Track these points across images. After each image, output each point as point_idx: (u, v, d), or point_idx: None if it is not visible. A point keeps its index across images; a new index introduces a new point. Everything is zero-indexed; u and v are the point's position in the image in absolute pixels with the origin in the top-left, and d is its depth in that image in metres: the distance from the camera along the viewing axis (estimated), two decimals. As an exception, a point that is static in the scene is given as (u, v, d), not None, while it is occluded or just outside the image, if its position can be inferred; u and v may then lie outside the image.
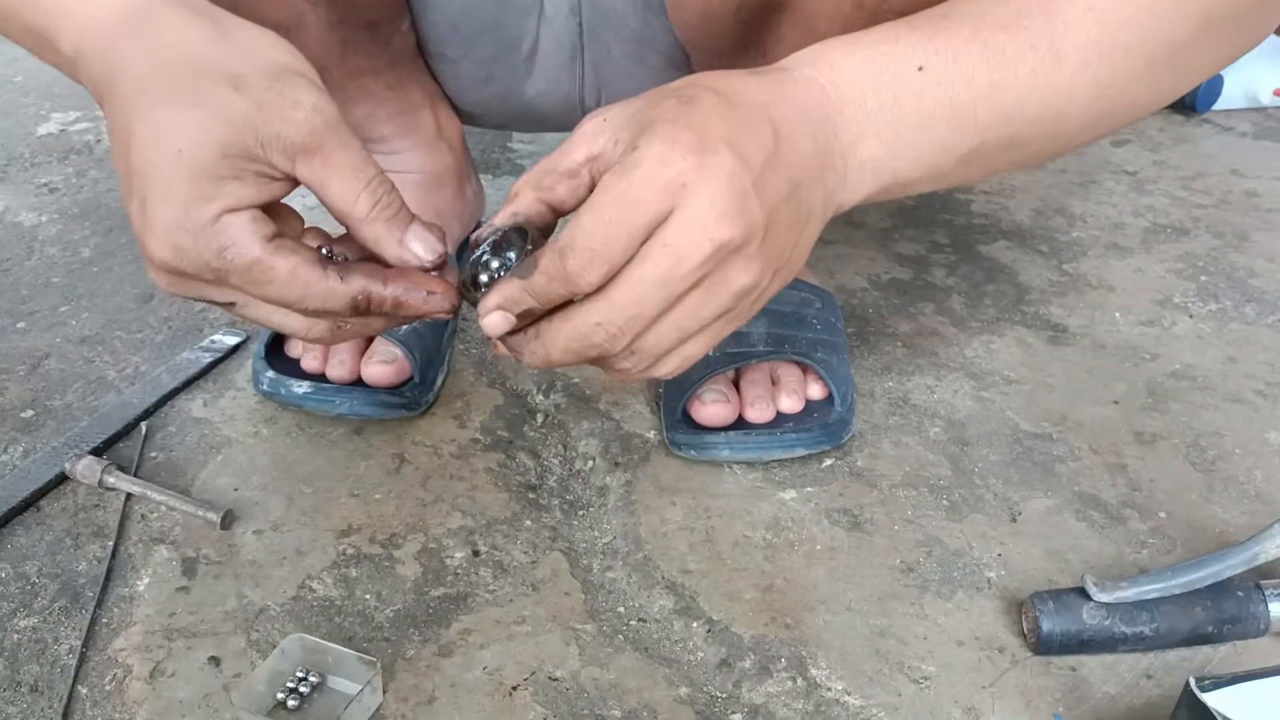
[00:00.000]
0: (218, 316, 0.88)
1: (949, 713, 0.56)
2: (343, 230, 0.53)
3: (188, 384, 0.80)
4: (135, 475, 0.70)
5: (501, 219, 0.49)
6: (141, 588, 0.63)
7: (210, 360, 0.82)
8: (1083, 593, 0.58)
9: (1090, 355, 0.86)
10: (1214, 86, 1.30)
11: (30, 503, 0.68)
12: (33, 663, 0.58)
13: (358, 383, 0.75)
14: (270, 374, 0.76)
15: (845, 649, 0.60)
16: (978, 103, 0.50)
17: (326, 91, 0.48)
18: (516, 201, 0.49)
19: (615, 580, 0.65)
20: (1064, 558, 0.66)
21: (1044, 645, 0.58)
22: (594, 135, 0.48)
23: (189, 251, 0.47)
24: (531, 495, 0.71)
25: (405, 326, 0.75)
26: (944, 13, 0.51)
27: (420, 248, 0.50)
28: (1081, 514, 0.70)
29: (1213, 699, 0.49)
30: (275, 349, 0.79)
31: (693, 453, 0.73)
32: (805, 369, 0.76)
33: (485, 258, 0.48)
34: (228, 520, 0.67)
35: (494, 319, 0.48)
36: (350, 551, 0.66)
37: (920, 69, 0.49)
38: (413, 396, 0.76)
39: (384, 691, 0.57)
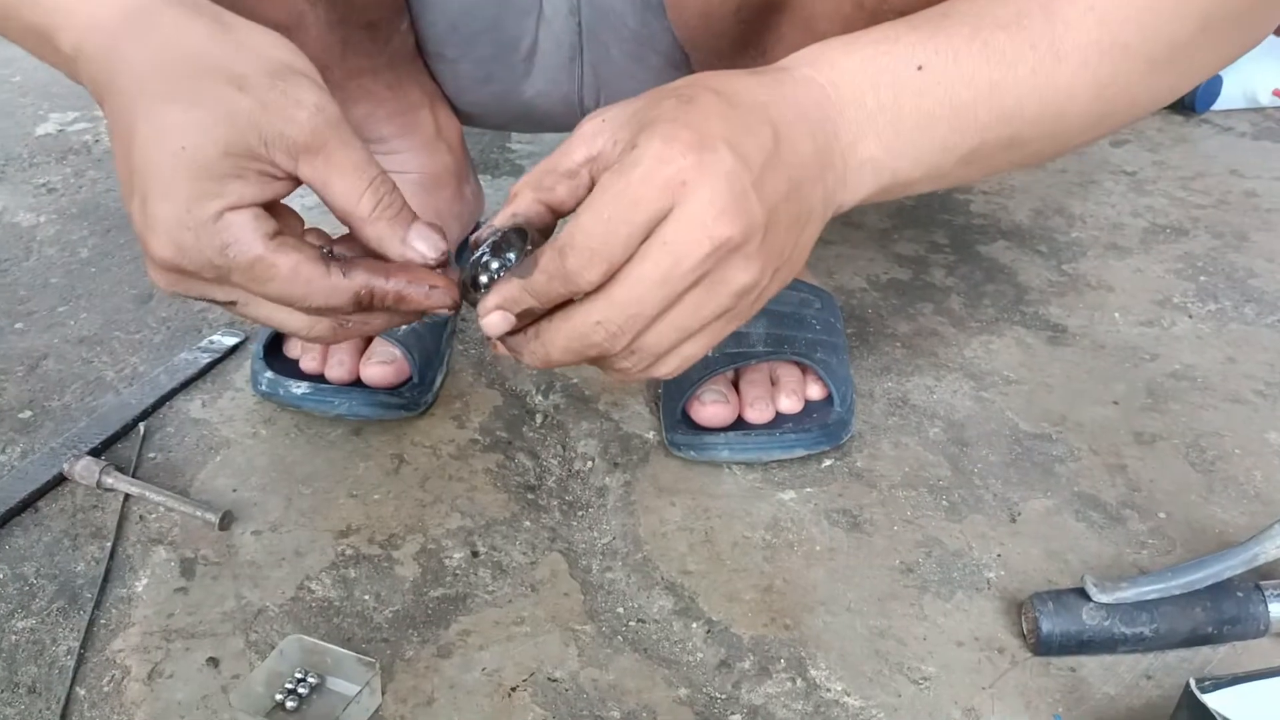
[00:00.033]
0: (216, 317, 0.88)
1: (949, 713, 0.56)
2: (342, 232, 0.53)
3: (186, 384, 0.80)
4: (133, 476, 0.70)
5: (501, 220, 0.49)
6: (140, 589, 0.63)
7: (209, 361, 0.81)
8: (1082, 593, 0.58)
9: (1090, 355, 0.86)
10: (1213, 87, 1.30)
11: (28, 504, 0.68)
12: (31, 664, 0.58)
13: (356, 383, 0.75)
14: (269, 374, 0.76)
15: (845, 650, 0.60)
16: (978, 102, 0.50)
17: (329, 91, 0.49)
18: (516, 202, 0.49)
19: (614, 581, 0.64)
20: (1063, 558, 0.66)
21: (1044, 646, 0.58)
22: (593, 136, 0.48)
23: (191, 249, 0.47)
24: (530, 496, 0.71)
25: (404, 327, 0.75)
26: (944, 12, 0.51)
27: (423, 245, 0.50)
28: (1081, 514, 0.69)
29: (1213, 700, 0.49)
30: (274, 349, 0.79)
31: (692, 453, 0.73)
32: (804, 369, 0.76)
33: (485, 258, 0.48)
34: (226, 521, 0.67)
35: (494, 319, 0.48)
36: (349, 552, 0.66)
37: (920, 68, 0.49)
38: (411, 397, 0.76)
39: (383, 692, 0.57)
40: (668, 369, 0.50)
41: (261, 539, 0.66)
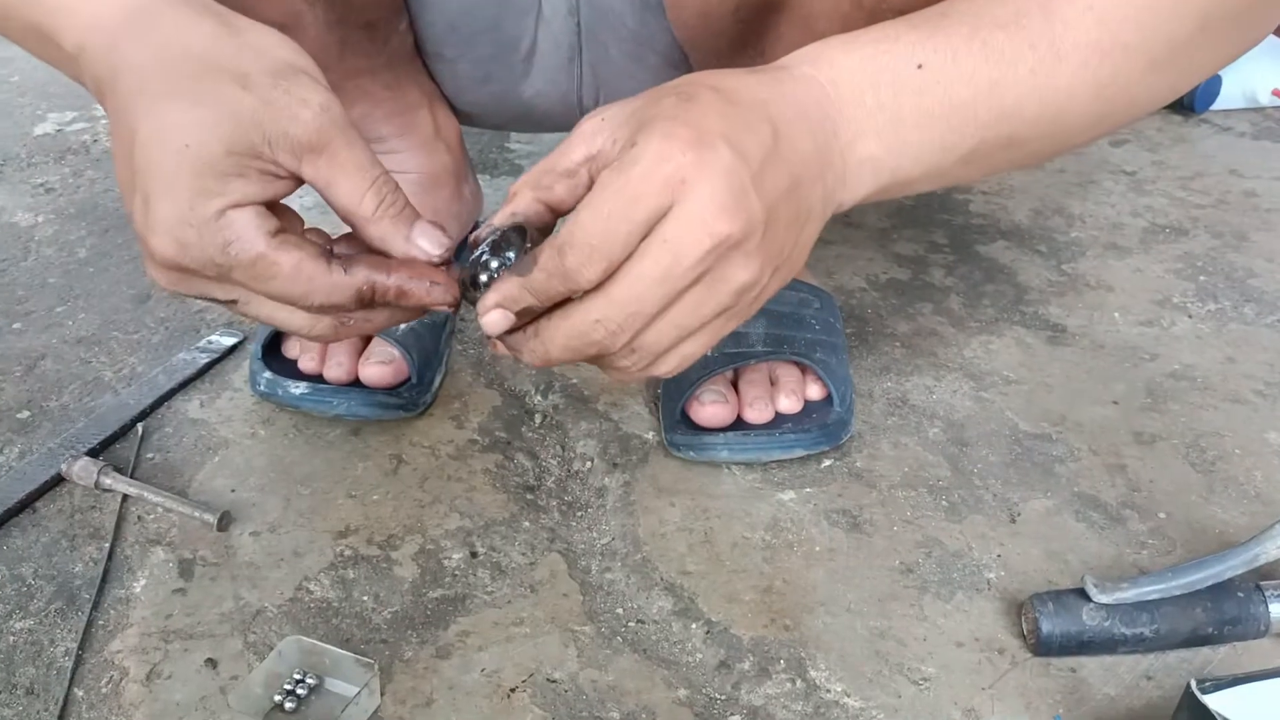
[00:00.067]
0: (215, 317, 0.87)
1: (949, 714, 0.56)
2: (341, 232, 0.53)
3: (184, 385, 0.79)
4: (132, 476, 0.70)
5: (500, 219, 0.49)
6: (138, 589, 0.63)
7: (207, 361, 0.81)
8: (1082, 594, 0.58)
9: (1089, 355, 0.86)
10: (1212, 86, 1.30)
11: (26, 504, 0.68)
12: (29, 665, 0.58)
13: (355, 383, 0.75)
14: (267, 375, 0.76)
15: (845, 650, 0.60)
16: (977, 101, 0.50)
17: (332, 91, 0.48)
18: (515, 201, 0.49)
19: (614, 581, 0.64)
20: (1063, 558, 0.66)
21: (1044, 646, 0.58)
22: (592, 135, 0.48)
23: (192, 247, 0.47)
24: (529, 496, 0.71)
25: (403, 327, 0.75)
26: (943, 11, 0.51)
27: (426, 243, 0.50)
28: (1081, 515, 0.69)
29: (1213, 701, 0.49)
30: (272, 349, 0.78)
31: (691, 453, 0.73)
32: (804, 369, 0.76)
33: (484, 257, 0.48)
34: (225, 521, 0.67)
35: (493, 317, 0.48)
36: (348, 553, 0.66)
37: (919, 67, 0.49)
38: (410, 397, 0.76)
39: (381, 694, 0.56)
40: (667, 367, 0.50)
41: (260, 540, 0.66)
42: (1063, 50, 0.49)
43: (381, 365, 0.75)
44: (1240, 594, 0.59)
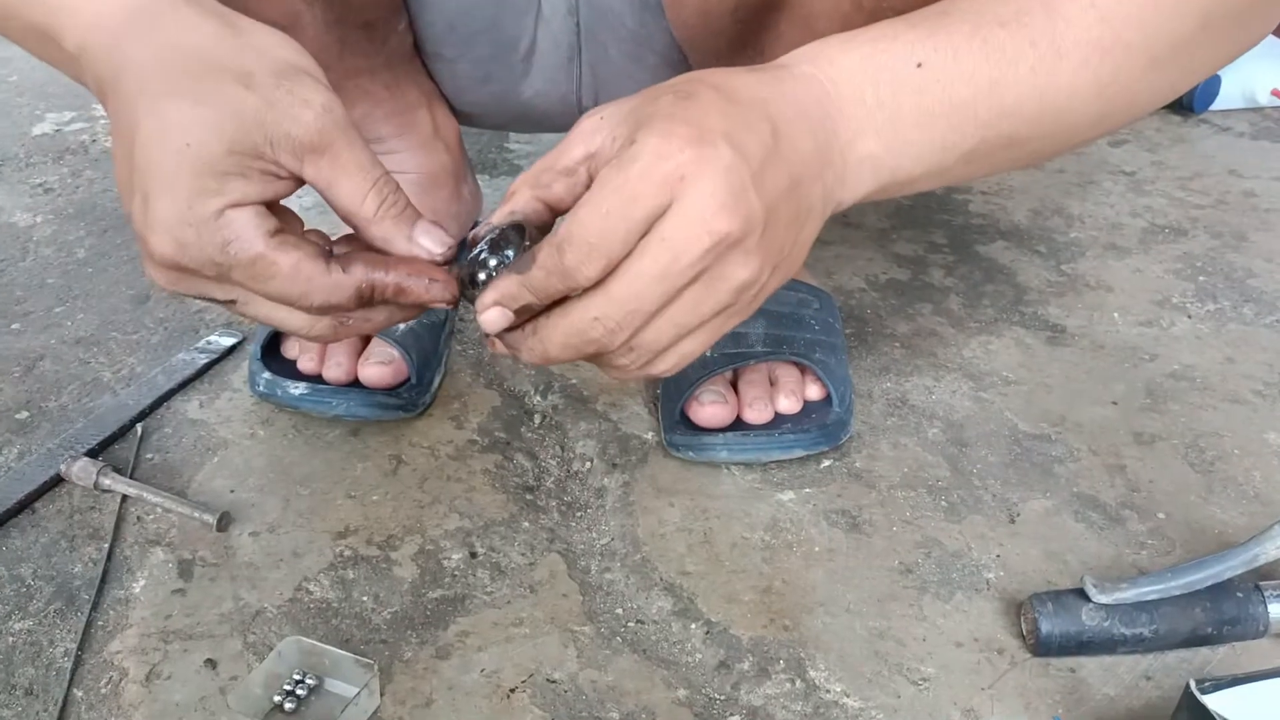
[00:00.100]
0: (214, 317, 0.87)
1: (948, 714, 0.56)
2: (341, 232, 0.53)
3: (184, 385, 0.79)
4: (131, 477, 0.70)
5: (499, 217, 0.49)
6: (137, 590, 0.63)
7: (206, 361, 0.81)
8: (1082, 594, 0.58)
9: (1089, 356, 0.86)
10: (1212, 86, 1.30)
11: (25, 505, 0.68)
12: (28, 666, 0.58)
13: (354, 384, 0.75)
14: (267, 375, 0.76)
15: (844, 651, 0.60)
16: (977, 100, 0.50)
17: (334, 92, 0.48)
18: (514, 200, 0.49)
19: (613, 582, 0.64)
20: (1063, 559, 0.66)
21: (1043, 647, 0.58)
22: (591, 133, 0.48)
23: (192, 246, 0.47)
24: (529, 497, 0.71)
25: (402, 327, 0.75)
26: (944, 10, 0.51)
27: (429, 242, 0.50)
28: (1080, 515, 0.69)
29: (1213, 701, 0.49)
30: (272, 350, 0.78)
31: (690, 454, 0.73)
32: (803, 370, 0.75)
33: (483, 256, 0.48)
34: (224, 522, 0.67)
35: (491, 315, 0.48)
36: (347, 553, 0.66)
37: (919, 66, 0.49)
38: (410, 398, 0.76)
39: (381, 694, 0.56)
40: (666, 366, 0.50)
41: (259, 540, 0.66)
42: (1064, 48, 0.49)
43: (381, 366, 0.75)
44: (1239, 594, 0.59)
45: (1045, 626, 0.58)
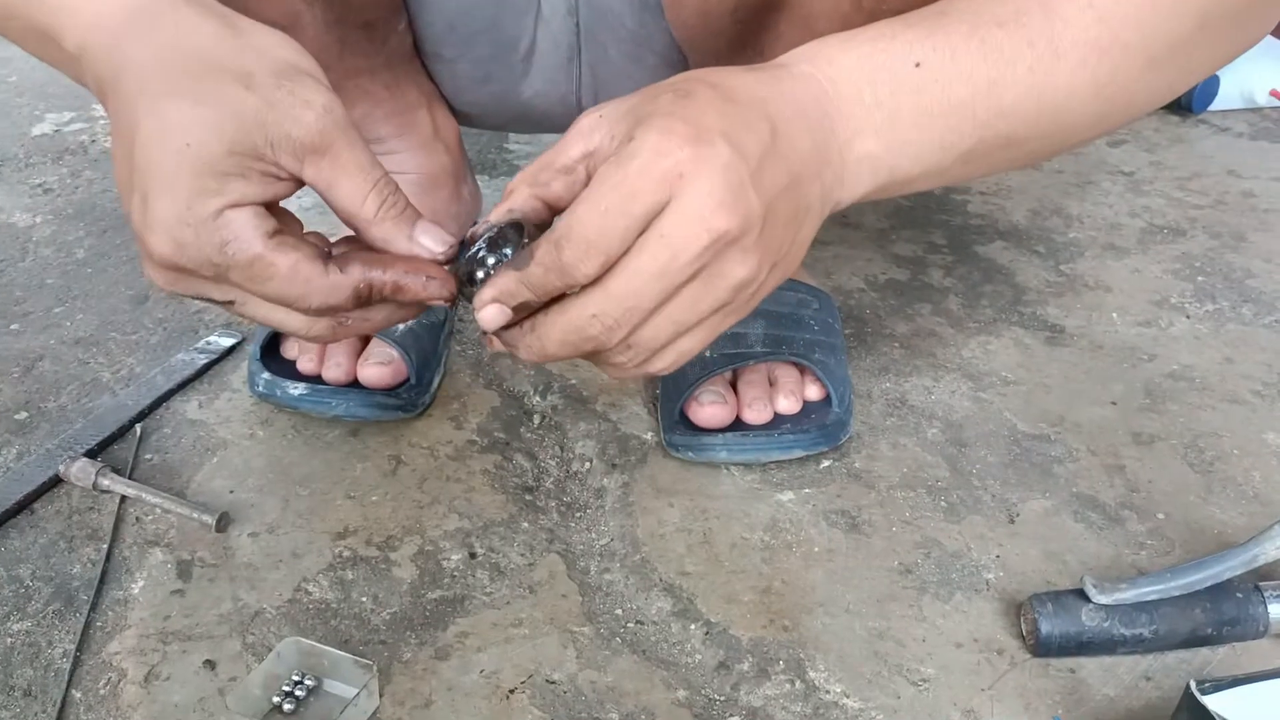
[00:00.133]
0: (213, 318, 0.87)
1: (948, 715, 0.56)
2: (341, 233, 0.53)
3: (183, 386, 0.79)
4: (130, 477, 0.70)
5: (497, 215, 0.49)
6: (136, 591, 0.63)
7: (205, 362, 0.81)
8: (1082, 594, 0.58)
9: (1088, 356, 0.86)
10: (1210, 87, 1.30)
11: (24, 505, 0.68)
12: (26, 667, 0.58)
13: (354, 384, 0.75)
14: (266, 375, 0.76)
15: (844, 651, 0.60)
16: (975, 100, 0.50)
17: (334, 92, 0.48)
18: (512, 198, 0.49)
19: (613, 582, 0.64)
20: (1062, 559, 0.66)
21: (1043, 647, 0.58)
22: (590, 131, 0.48)
23: (190, 246, 0.47)
24: (528, 497, 0.71)
25: (401, 327, 0.75)
26: (942, 10, 0.51)
27: (429, 241, 0.50)
28: (1080, 515, 0.69)
29: (1213, 702, 0.48)
30: (271, 350, 0.78)
31: (690, 454, 0.73)
32: (803, 370, 0.75)
33: (481, 254, 0.48)
34: (223, 523, 0.67)
35: (489, 312, 0.48)
36: (346, 554, 0.66)
37: (917, 65, 0.49)
38: (409, 398, 0.76)
39: (380, 695, 0.56)
40: (664, 364, 0.50)
41: (258, 541, 0.66)
42: (1061, 48, 0.49)
43: (380, 366, 0.75)
44: (1239, 595, 0.59)
45: (1045, 627, 0.58)
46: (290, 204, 0.51)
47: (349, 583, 0.64)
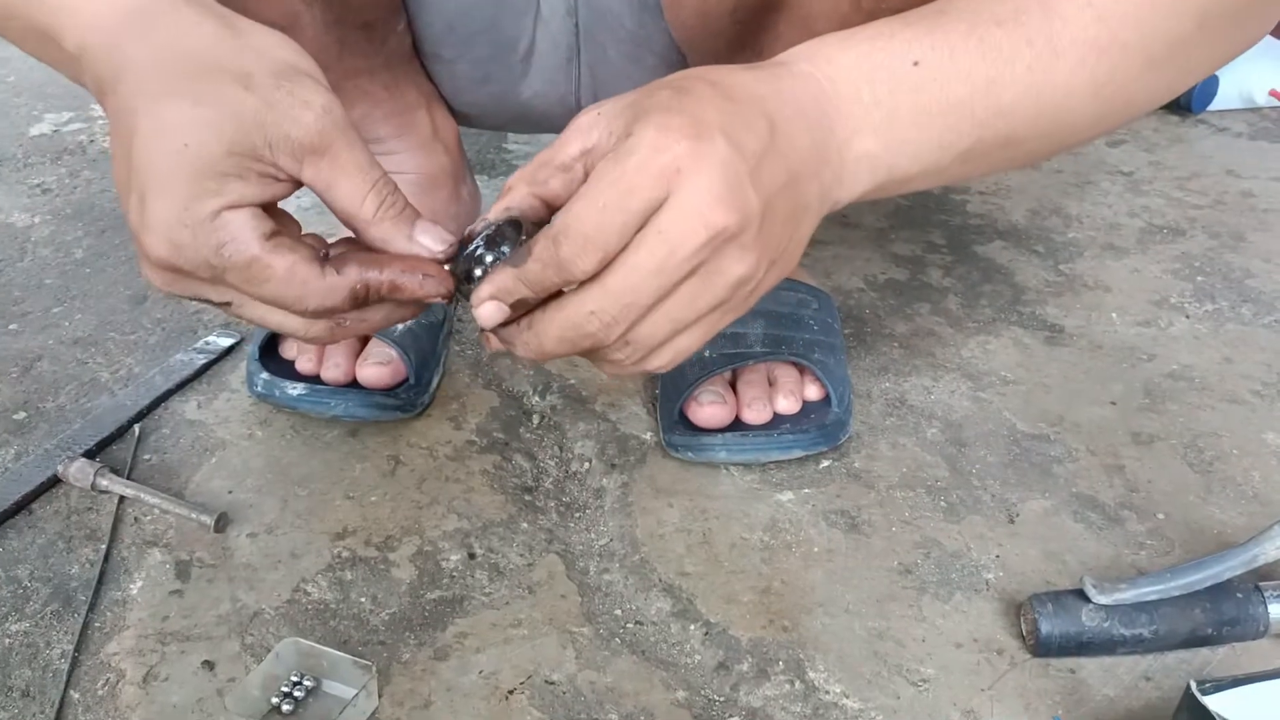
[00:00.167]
0: (212, 318, 0.87)
1: (948, 715, 0.56)
2: (339, 233, 0.53)
3: (181, 386, 0.79)
4: (128, 478, 0.70)
5: (495, 213, 0.49)
6: (134, 591, 0.62)
7: (204, 362, 0.81)
8: (1081, 595, 0.58)
9: (1087, 356, 0.86)
10: (1209, 87, 1.30)
11: (22, 506, 0.68)
12: (24, 667, 0.58)
13: (353, 384, 0.75)
14: (265, 376, 0.76)
15: (843, 651, 0.60)
16: (974, 99, 0.50)
17: (333, 92, 0.48)
18: (510, 196, 0.49)
19: (612, 583, 0.64)
20: (1062, 559, 0.66)
21: (1043, 647, 0.58)
22: (589, 128, 0.48)
23: (187, 248, 0.46)
24: (527, 497, 0.71)
25: (400, 328, 0.75)
26: (941, 9, 0.51)
27: (429, 240, 0.50)
28: (1079, 515, 0.69)
29: (1213, 702, 0.48)
30: (270, 350, 0.78)
31: (689, 454, 0.73)
32: (802, 370, 0.75)
33: (479, 251, 0.48)
34: (222, 523, 0.67)
35: (487, 309, 0.48)
36: (345, 554, 0.65)
37: (916, 64, 0.49)
38: (408, 398, 0.76)
39: (379, 696, 0.56)
40: (661, 362, 0.50)
41: (257, 541, 0.66)
42: (1060, 47, 0.49)
43: (379, 366, 0.74)
44: (1239, 595, 0.59)
45: (1045, 627, 0.58)
46: (289, 204, 0.51)
47: (348, 583, 0.63)
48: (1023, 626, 0.60)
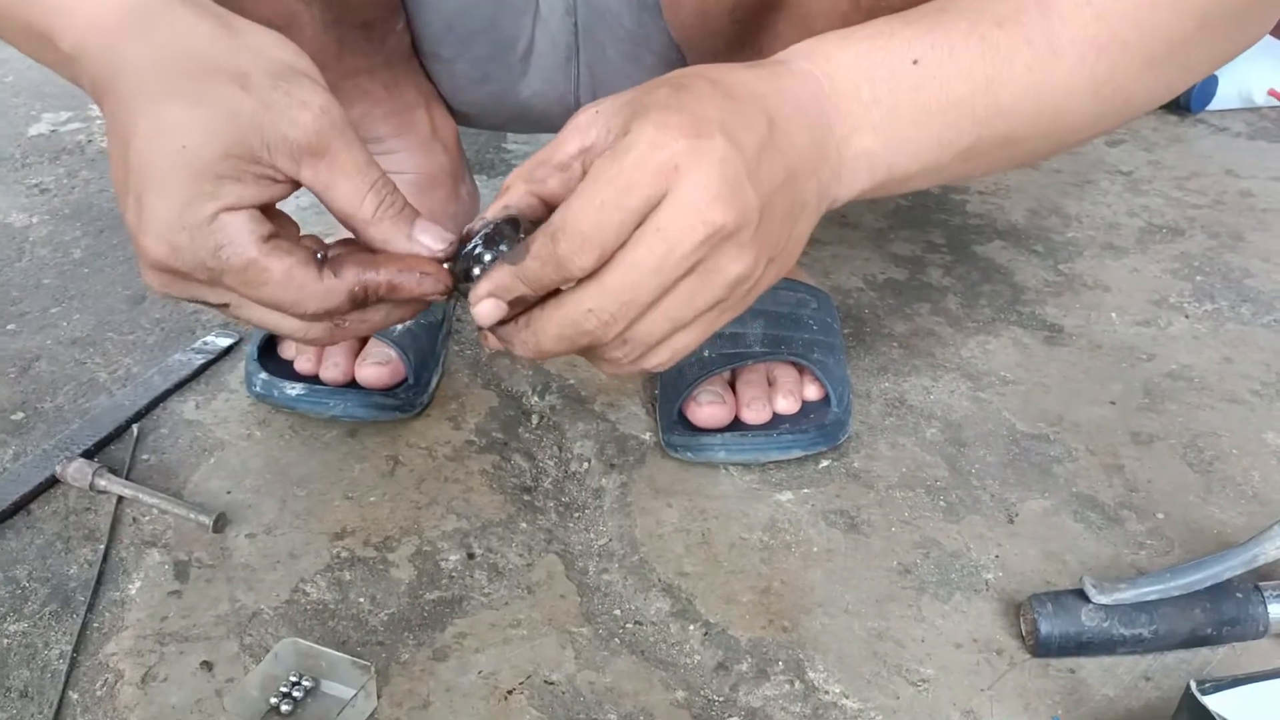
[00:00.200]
0: (210, 318, 0.87)
1: (947, 715, 0.56)
2: (338, 233, 0.52)
3: (180, 386, 0.79)
4: (127, 478, 0.70)
5: (493, 212, 0.49)
6: (133, 592, 0.62)
7: (203, 362, 0.81)
8: (1081, 594, 0.58)
9: (1086, 355, 0.86)
10: (1208, 86, 1.30)
11: (20, 506, 0.68)
12: (23, 668, 0.57)
13: (351, 384, 0.75)
14: (263, 376, 0.76)
15: (843, 651, 0.60)
16: (974, 97, 0.50)
17: (331, 92, 0.48)
18: (508, 195, 0.49)
19: (611, 583, 0.64)
20: (1061, 559, 0.66)
21: (1042, 647, 0.58)
22: (587, 127, 0.48)
23: (184, 250, 0.46)
24: (526, 497, 0.71)
25: (399, 327, 0.75)
26: (941, 7, 0.51)
27: (429, 239, 0.50)
28: (1079, 515, 0.69)
29: (1213, 702, 0.48)
30: (268, 350, 0.78)
31: (689, 454, 0.73)
32: (801, 370, 0.75)
33: (477, 250, 0.48)
34: (220, 523, 0.66)
35: (485, 307, 0.48)
36: (344, 554, 0.65)
37: (915, 62, 0.49)
38: (407, 398, 0.75)
39: (378, 696, 0.56)
40: (659, 360, 0.49)
41: (256, 541, 0.66)
42: (1060, 46, 0.49)
43: (378, 366, 0.74)
44: (1239, 594, 0.59)
45: (1045, 627, 0.58)
46: (287, 204, 0.51)
47: (347, 583, 0.63)
48: (1022, 626, 0.60)
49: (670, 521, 0.69)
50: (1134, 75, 0.51)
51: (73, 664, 0.58)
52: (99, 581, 0.63)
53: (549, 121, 0.81)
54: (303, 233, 0.52)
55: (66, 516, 0.68)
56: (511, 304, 0.48)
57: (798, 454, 0.72)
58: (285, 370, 0.76)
